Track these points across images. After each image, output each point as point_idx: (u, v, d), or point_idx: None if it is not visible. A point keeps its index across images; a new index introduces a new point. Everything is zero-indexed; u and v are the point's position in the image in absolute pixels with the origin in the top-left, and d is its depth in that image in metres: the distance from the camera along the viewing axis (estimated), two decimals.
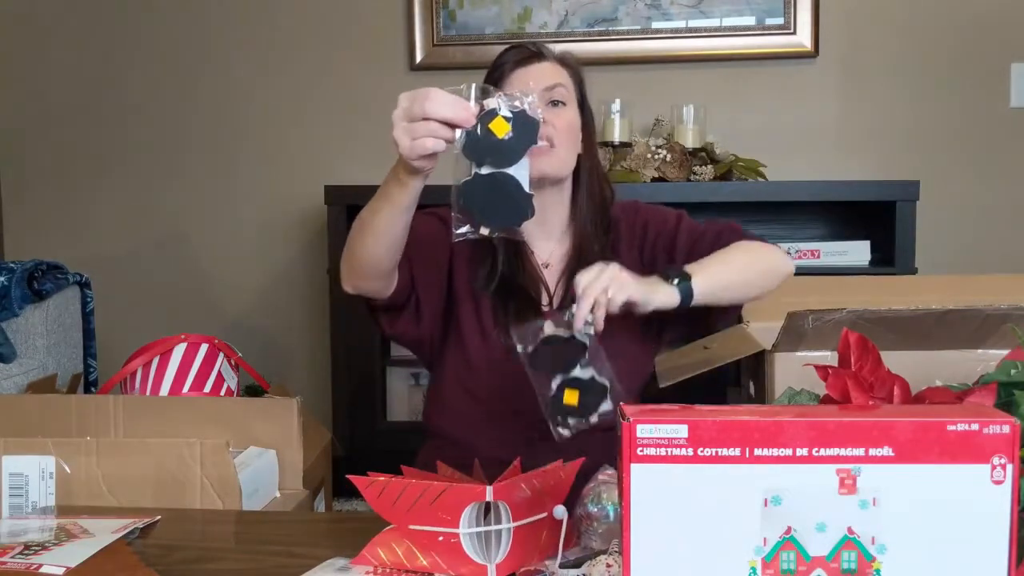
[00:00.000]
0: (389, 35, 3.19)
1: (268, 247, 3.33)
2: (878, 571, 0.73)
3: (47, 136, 3.38)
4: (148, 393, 2.38)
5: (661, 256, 1.49)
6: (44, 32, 3.35)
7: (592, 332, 1.20)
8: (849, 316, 1.59)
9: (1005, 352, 1.02)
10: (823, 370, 0.93)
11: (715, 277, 1.33)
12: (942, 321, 1.60)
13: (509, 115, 1.08)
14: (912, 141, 3.09)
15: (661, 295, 1.26)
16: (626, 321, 1.33)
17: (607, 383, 1.20)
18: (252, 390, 2.69)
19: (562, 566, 0.95)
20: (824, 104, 3.09)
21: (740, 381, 2.29)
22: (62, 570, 0.99)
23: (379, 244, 1.26)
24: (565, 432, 1.19)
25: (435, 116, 1.07)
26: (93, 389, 2.92)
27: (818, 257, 2.90)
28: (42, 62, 3.36)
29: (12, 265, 2.74)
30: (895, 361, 0.95)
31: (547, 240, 1.51)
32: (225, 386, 2.48)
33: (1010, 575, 0.72)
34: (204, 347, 2.46)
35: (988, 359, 1.45)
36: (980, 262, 3.06)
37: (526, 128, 1.09)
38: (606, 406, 1.19)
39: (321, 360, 3.20)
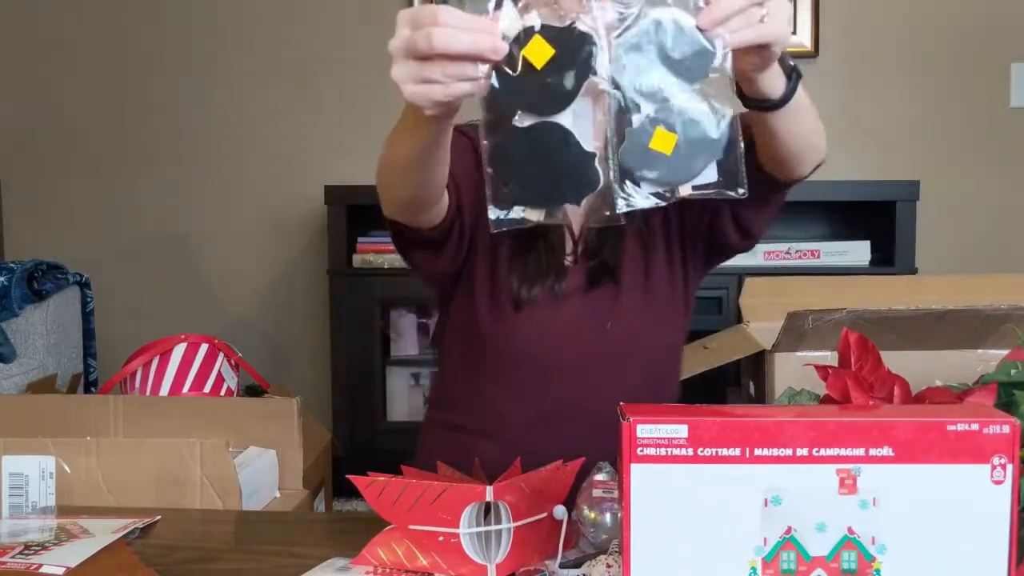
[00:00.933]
0: (389, 34, 3.17)
1: (268, 247, 3.33)
2: (878, 571, 0.73)
3: (47, 136, 3.38)
4: (148, 393, 2.38)
5: None
6: (44, 32, 3.34)
7: (727, 52, 0.76)
8: (849, 316, 1.59)
9: (1005, 352, 1.02)
10: (823, 370, 0.93)
11: (805, 99, 1.01)
12: (942, 321, 1.60)
13: (554, 32, 0.73)
14: (912, 141, 3.09)
15: (777, 69, 0.93)
16: (659, 253, 1.23)
17: (728, 134, 0.77)
18: (252, 390, 2.69)
19: (562, 566, 0.95)
20: (824, 104, 3.04)
21: (740, 381, 2.29)
22: (62, 570, 0.99)
23: (410, 180, 1.02)
24: (636, 202, 0.77)
25: (449, 51, 0.75)
26: (93, 389, 2.92)
27: (818, 257, 2.90)
28: (42, 62, 3.36)
29: (12, 265, 2.74)
30: (895, 361, 0.95)
31: None
32: (225, 386, 2.48)
33: (1010, 575, 0.72)
34: (204, 347, 2.46)
35: (988, 359, 1.46)
36: (980, 262, 3.06)
37: (578, 51, 0.74)
38: (710, 174, 0.78)
39: (321, 360, 3.20)
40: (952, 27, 3.04)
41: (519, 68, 0.74)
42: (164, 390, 2.39)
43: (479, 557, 0.95)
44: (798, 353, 1.70)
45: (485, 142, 0.78)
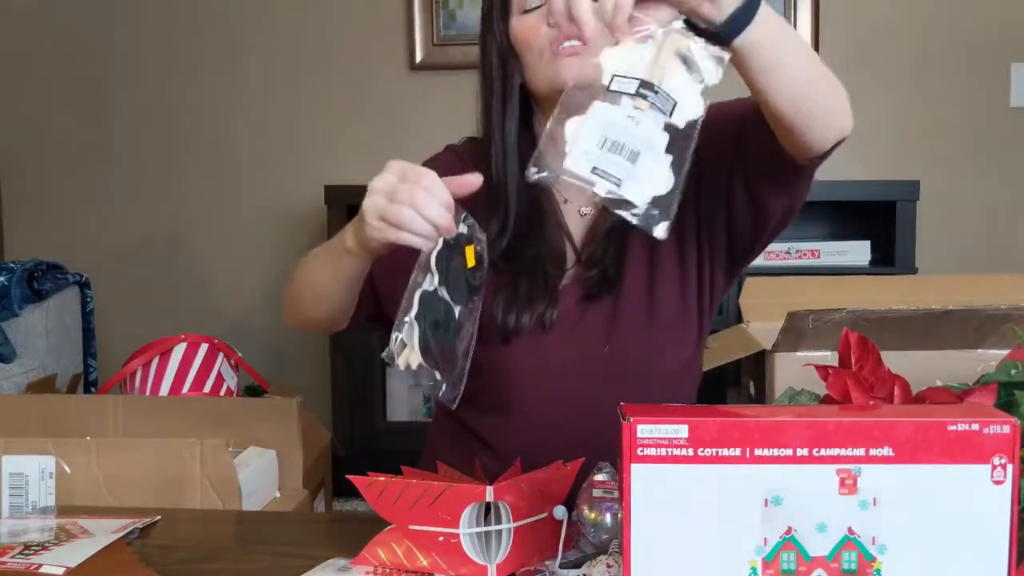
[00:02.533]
0: (389, 35, 3.19)
1: (268, 247, 3.33)
2: (878, 571, 0.73)
3: (47, 136, 3.38)
4: (148, 393, 2.38)
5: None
6: (44, 32, 3.34)
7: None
8: (849, 316, 1.59)
9: (1005, 352, 1.02)
10: (823, 370, 0.93)
11: (789, 40, 0.93)
12: (942, 321, 1.60)
13: (479, 252, 0.96)
14: (912, 141, 3.09)
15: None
16: (672, 270, 1.17)
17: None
18: (252, 390, 2.69)
19: (562, 566, 0.95)
20: None
21: (740, 381, 2.29)
22: (62, 570, 0.99)
23: (320, 307, 1.14)
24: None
25: (420, 211, 0.91)
26: (93, 389, 2.92)
27: (818, 257, 2.90)
28: (42, 62, 3.36)
29: (12, 265, 2.75)
30: (895, 361, 0.95)
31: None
32: (225, 386, 2.48)
33: (1010, 575, 0.72)
34: (204, 347, 2.46)
35: (988, 359, 1.46)
36: (980, 262, 3.06)
37: (477, 277, 0.96)
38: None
39: (321, 360, 3.20)
40: (952, 27, 3.04)
41: (455, 253, 0.94)
42: (164, 390, 2.39)
43: (479, 557, 0.95)
44: (798, 353, 1.70)
45: (417, 281, 0.94)
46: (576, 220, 1.22)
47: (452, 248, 0.94)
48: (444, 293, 0.94)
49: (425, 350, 0.95)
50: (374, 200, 0.93)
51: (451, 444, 1.31)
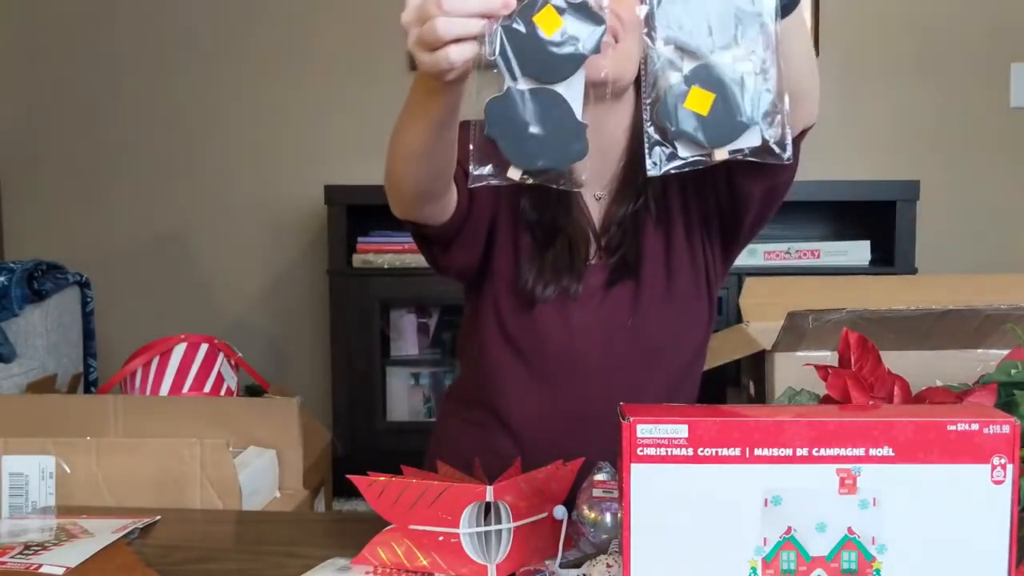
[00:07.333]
0: (389, 35, 3.18)
1: (268, 247, 3.33)
2: (878, 571, 0.73)
3: (47, 136, 3.38)
4: (148, 393, 2.38)
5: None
6: (44, 32, 3.34)
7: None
8: (849, 316, 1.59)
9: (1005, 352, 1.03)
10: (823, 370, 0.93)
11: (803, 23, 1.00)
12: (942, 321, 1.60)
13: (565, 5, 0.76)
14: (912, 141, 3.09)
15: None
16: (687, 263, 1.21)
17: (773, 90, 0.75)
18: (252, 390, 2.69)
19: (562, 566, 0.95)
20: (824, 104, 3.05)
21: (740, 381, 2.30)
22: (62, 570, 0.99)
23: (421, 168, 1.04)
24: (665, 167, 0.79)
25: (457, 11, 0.78)
26: (93, 389, 2.92)
27: (818, 257, 2.90)
28: (42, 63, 3.36)
29: (12, 265, 2.75)
30: (895, 361, 0.95)
31: (603, 168, 1.23)
32: (225, 386, 2.48)
33: (1010, 575, 0.72)
34: (204, 347, 2.46)
35: (988, 359, 1.46)
36: (980, 262, 3.06)
37: (587, 28, 0.77)
38: (753, 137, 0.76)
39: (321, 360, 3.21)
40: (952, 27, 3.04)
41: (529, 33, 0.76)
42: (164, 390, 2.39)
43: (479, 557, 0.95)
44: (798, 353, 1.71)
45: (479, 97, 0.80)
46: (591, 202, 1.25)
47: (520, 30, 0.77)
48: (523, 83, 0.78)
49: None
50: (412, 37, 0.81)
51: (463, 434, 1.30)
